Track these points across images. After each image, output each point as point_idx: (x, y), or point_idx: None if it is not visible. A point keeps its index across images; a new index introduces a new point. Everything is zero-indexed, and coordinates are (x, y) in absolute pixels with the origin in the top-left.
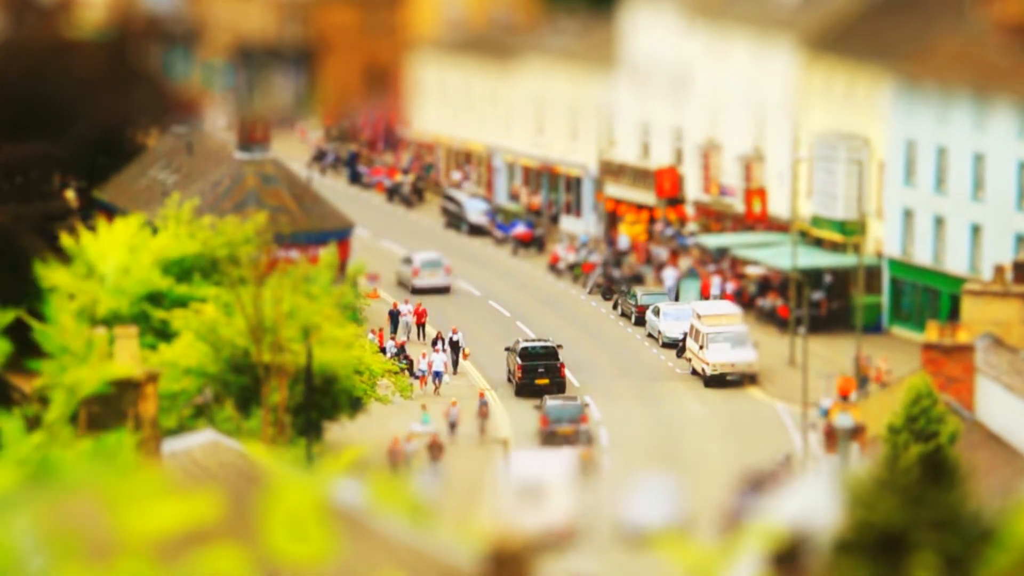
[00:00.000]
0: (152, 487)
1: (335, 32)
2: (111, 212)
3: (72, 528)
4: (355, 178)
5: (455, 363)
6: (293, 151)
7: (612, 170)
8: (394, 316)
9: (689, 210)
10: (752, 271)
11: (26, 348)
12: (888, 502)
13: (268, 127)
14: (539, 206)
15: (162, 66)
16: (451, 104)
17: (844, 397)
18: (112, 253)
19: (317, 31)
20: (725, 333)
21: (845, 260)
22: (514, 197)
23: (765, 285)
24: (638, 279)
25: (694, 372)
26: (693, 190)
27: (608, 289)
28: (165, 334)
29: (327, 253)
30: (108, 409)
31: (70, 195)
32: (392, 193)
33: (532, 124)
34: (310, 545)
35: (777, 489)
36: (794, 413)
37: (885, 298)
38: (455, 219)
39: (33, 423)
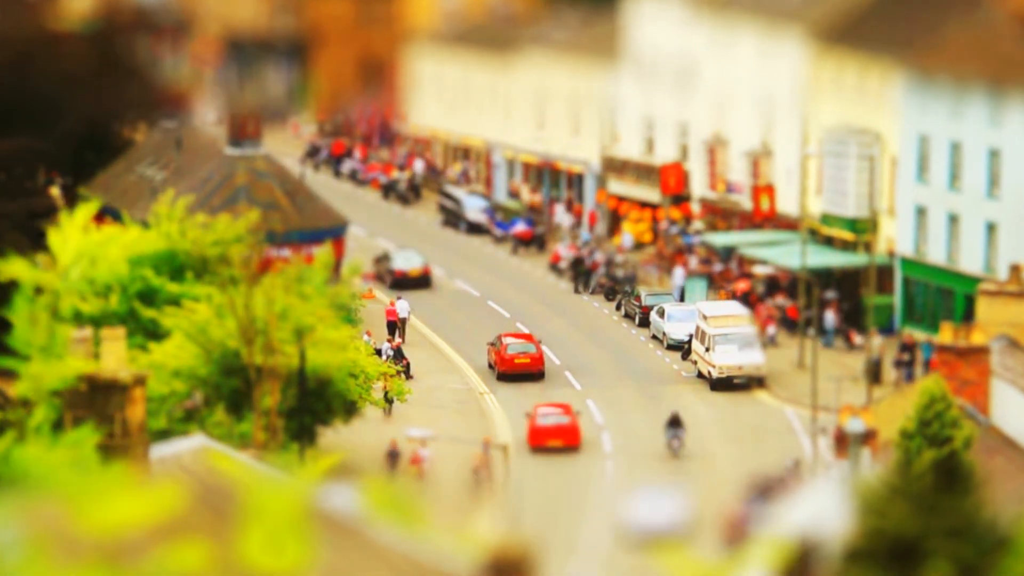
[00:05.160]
0: (115, 482)
1: (329, 23)
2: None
3: (39, 526)
4: (338, 172)
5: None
6: (286, 147)
7: (615, 166)
8: (393, 456)
9: (695, 208)
10: (760, 270)
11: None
12: (900, 509)
13: (260, 122)
14: (540, 203)
15: (150, 59)
16: (449, 98)
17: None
18: (75, 243)
19: (310, 22)
20: (732, 335)
21: (856, 259)
22: (513, 195)
23: (773, 285)
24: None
25: (700, 375)
26: (699, 187)
27: (611, 289)
28: (156, 334)
29: (322, 252)
30: (94, 413)
31: (55, 192)
32: (388, 190)
33: (533, 119)
34: (286, 557)
35: (786, 496)
36: (803, 417)
37: (897, 298)
38: (453, 217)
39: (17, 428)
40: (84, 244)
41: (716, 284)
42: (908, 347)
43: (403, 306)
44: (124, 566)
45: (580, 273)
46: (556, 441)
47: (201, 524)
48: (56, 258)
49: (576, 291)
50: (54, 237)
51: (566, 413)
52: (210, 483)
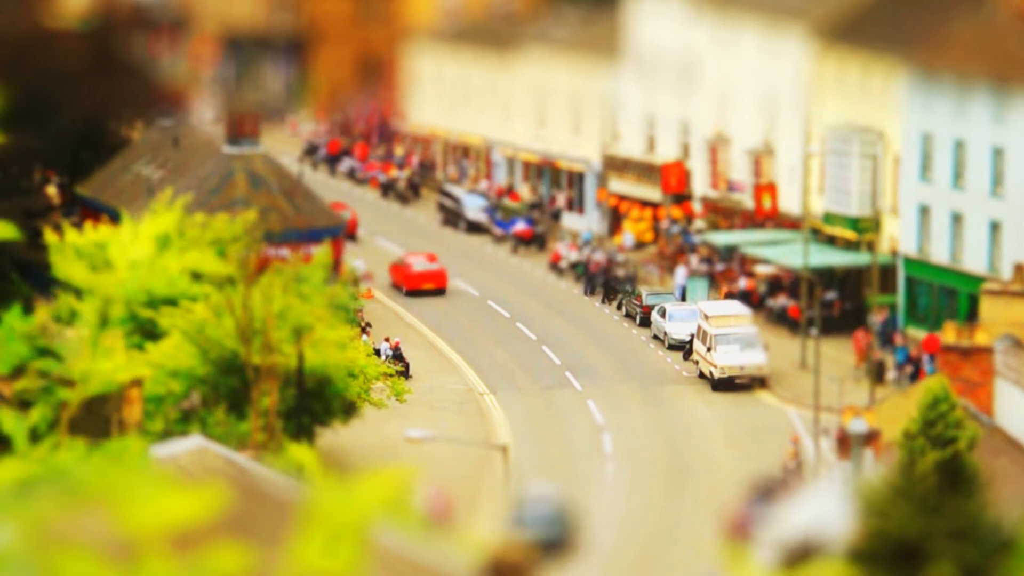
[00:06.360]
0: (156, 482)
1: (327, 21)
2: (94, 208)
3: (73, 529)
4: (332, 170)
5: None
6: (284, 145)
7: (616, 165)
8: None
9: (696, 206)
10: (762, 270)
11: None
12: (904, 511)
13: (258, 120)
14: (536, 200)
15: (147, 57)
16: (448, 96)
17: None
18: (136, 248)
19: (309, 20)
20: (734, 335)
21: (858, 258)
22: (501, 195)
23: (775, 285)
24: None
25: (701, 375)
26: (700, 186)
27: (612, 289)
28: (153, 334)
29: (321, 252)
30: (90, 414)
31: (51, 191)
32: (387, 189)
33: (533, 117)
34: (337, 561)
35: (788, 497)
36: (805, 418)
37: (900, 298)
38: (452, 216)
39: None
40: (144, 255)
41: (718, 283)
42: (913, 360)
43: (358, 265)
44: (157, 567)
45: (588, 277)
46: (429, 284)
47: (214, 529)
48: (113, 265)
49: (586, 294)
50: (115, 245)
51: (433, 260)
52: (217, 484)
